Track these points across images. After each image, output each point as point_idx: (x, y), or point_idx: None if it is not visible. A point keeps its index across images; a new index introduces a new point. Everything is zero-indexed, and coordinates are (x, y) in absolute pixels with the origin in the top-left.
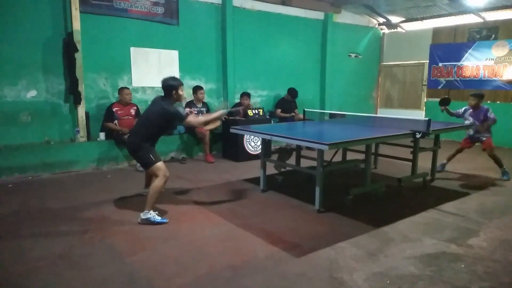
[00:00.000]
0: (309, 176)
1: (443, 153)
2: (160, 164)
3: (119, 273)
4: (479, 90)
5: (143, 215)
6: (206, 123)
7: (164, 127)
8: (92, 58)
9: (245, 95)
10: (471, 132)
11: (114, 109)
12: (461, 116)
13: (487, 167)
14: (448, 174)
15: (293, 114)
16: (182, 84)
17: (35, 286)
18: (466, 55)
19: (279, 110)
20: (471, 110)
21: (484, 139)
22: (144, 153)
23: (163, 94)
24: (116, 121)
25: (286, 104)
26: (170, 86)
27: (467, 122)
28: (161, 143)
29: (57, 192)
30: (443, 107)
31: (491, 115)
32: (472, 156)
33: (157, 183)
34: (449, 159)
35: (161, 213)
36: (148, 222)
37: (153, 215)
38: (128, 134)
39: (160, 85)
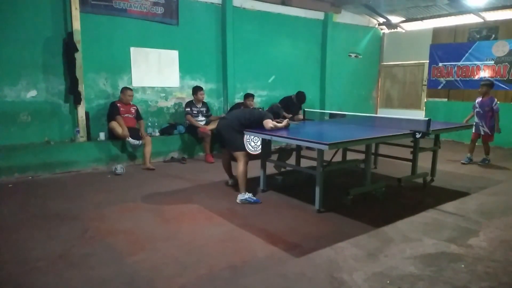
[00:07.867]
0: (309, 176)
1: (443, 153)
2: (245, 152)
3: (119, 273)
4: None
5: (241, 197)
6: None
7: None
8: (92, 58)
9: (250, 96)
10: (476, 119)
11: (118, 105)
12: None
13: (487, 167)
14: (448, 174)
15: (291, 115)
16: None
17: (35, 286)
18: (466, 55)
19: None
20: (480, 98)
21: (485, 133)
22: (237, 138)
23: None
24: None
25: (292, 105)
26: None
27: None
28: (161, 143)
29: (57, 192)
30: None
31: (495, 106)
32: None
33: (240, 168)
34: (471, 151)
35: (161, 213)
36: (246, 202)
37: (249, 196)
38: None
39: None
